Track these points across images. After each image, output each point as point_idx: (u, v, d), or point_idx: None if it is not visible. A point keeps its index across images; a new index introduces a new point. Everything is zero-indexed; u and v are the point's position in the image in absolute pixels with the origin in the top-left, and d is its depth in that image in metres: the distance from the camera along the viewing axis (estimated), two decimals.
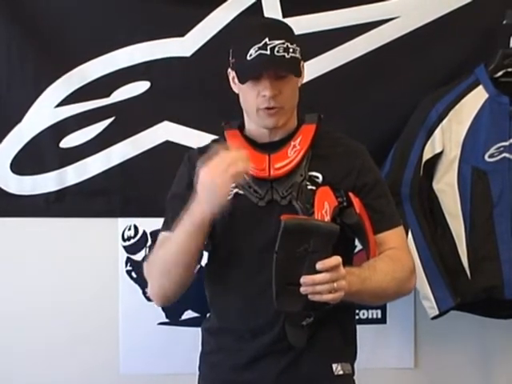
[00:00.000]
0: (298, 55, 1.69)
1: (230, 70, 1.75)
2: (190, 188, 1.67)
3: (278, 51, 1.63)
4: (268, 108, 1.67)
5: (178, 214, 1.65)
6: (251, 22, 1.86)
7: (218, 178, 1.53)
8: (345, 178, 1.72)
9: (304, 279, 1.46)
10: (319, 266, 1.45)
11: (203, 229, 1.62)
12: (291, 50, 1.65)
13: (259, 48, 1.63)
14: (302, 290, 1.46)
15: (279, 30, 1.71)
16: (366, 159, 1.79)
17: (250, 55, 1.64)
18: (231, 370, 1.73)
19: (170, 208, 1.77)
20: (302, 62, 1.73)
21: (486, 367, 2.53)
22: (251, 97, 1.68)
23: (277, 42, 1.64)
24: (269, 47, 1.63)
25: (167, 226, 1.74)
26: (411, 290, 1.79)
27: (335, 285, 1.47)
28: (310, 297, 1.47)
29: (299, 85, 1.75)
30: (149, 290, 1.77)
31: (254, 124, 1.75)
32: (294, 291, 1.46)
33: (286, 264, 1.46)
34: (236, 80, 1.72)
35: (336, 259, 1.47)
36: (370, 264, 1.66)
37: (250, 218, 1.69)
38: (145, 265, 1.79)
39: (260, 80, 1.66)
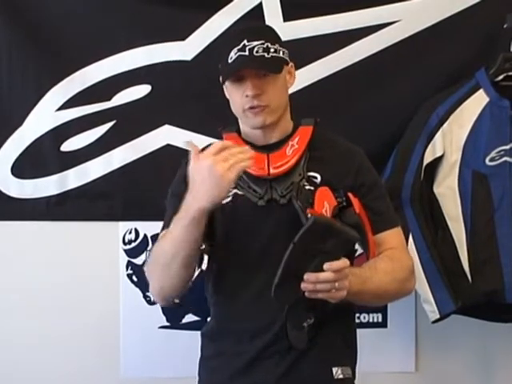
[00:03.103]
0: (281, 55, 1.72)
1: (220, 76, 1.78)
2: (187, 189, 1.69)
3: (256, 51, 1.67)
4: (252, 107, 1.69)
5: (177, 212, 1.65)
6: (235, 29, 1.89)
7: (218, 166, 1.49)
8: (343, 179, 1.73)
9: (307, 276, 1.47)
10: (326, 266, 1.46)
11: (200, 221, 1.56)
12: (272, 50, 1.69)
13: (238, 50, 1.67)
14: (303, 286, 1.47)
15: (259, 32, 1.74)
16: (364, 160, 1.80)
17: (231, 58, 1.68)
18: (230, 375, 1.72)
19: (169, 207, 1.78)
20: (290, 64, 1.76)
21: (487, 371, 2.53)
22: (237, 99, 1.72)
23: (255, 42, 1.67)
24: (247, 48, 1.67)
25: (166, 225, 1.74)
26: (411, 290, 1.80)
27: (336, 284, 1.48)
28: (306, 294, 1.48)
29: (289, 86, 1.78)
30: (150, 289, 1.76)
31: (246, 127, 1.77)
32: (295, 284, 1.47)
33: (298, 257, 1.47)
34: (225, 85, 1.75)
35: (344, 262, 1.49)
36: (371, 264, 1.67)
37: (250, 218, 1.69)
38: (146, 265, 1.78)
39: (242, 81, 1.69)
